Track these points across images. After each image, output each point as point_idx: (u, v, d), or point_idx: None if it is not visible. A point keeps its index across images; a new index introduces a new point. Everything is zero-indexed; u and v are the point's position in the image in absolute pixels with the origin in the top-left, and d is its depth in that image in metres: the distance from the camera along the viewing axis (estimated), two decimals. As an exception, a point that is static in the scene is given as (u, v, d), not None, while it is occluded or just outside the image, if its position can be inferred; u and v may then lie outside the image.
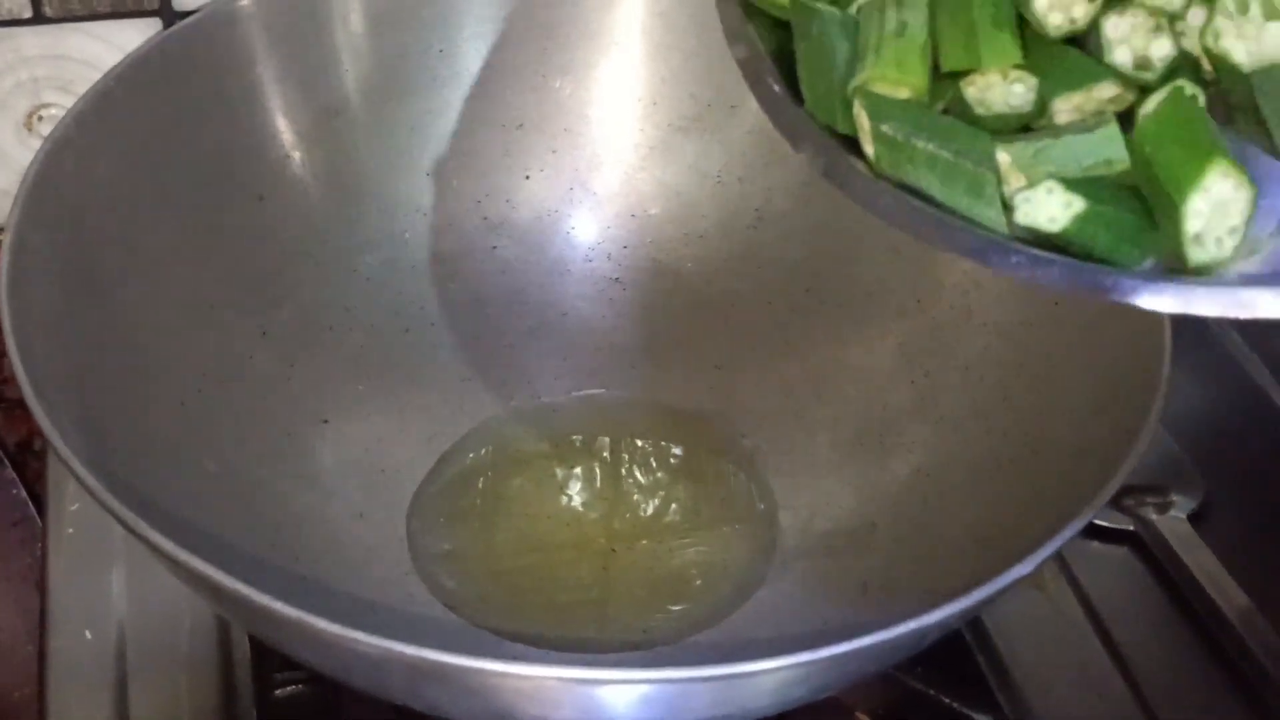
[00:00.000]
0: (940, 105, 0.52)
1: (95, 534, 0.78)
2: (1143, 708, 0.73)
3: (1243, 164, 0.48)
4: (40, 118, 0.87)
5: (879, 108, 0.51)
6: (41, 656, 0.74)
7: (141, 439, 0.70)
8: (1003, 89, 0.51)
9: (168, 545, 0.57)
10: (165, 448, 0.71)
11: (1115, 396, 0.68)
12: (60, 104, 0.86)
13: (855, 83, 0.52)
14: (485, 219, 0.86)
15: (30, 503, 0.86)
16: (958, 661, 0.74)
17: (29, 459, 0.90)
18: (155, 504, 0.65)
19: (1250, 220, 0.48)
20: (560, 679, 0.56)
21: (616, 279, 0.87)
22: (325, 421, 0.80)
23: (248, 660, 0.73)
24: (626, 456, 0.83)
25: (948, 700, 0.73)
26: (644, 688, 0.57)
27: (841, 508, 0.79)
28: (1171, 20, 0.49)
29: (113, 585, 0.77)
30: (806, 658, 0.57)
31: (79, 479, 0.59)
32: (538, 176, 0.87)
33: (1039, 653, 0.75)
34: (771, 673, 0.56)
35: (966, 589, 0.59)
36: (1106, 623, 0.77)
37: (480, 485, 0.81)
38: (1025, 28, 0.51)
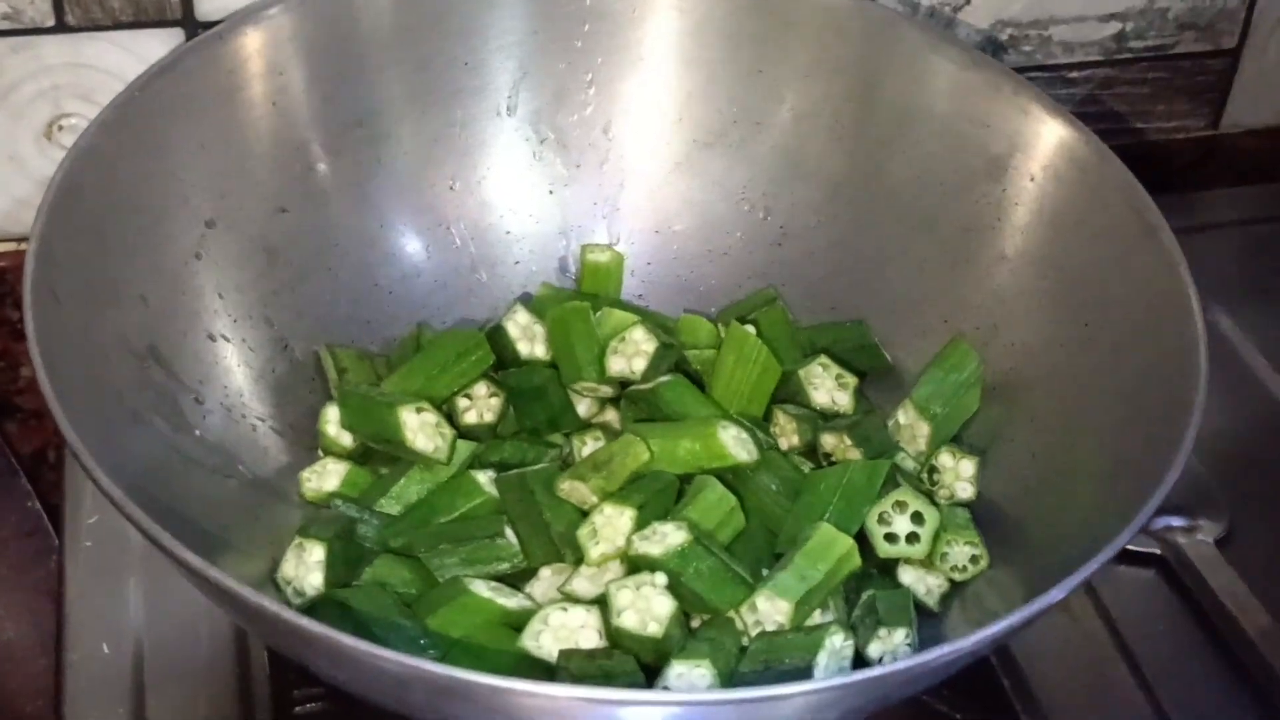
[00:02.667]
0: None
1: (112, 547, 0.78)
2: (1167, 732, 0.73)
3: None
4: (60, 127, 0.86)
5: None
6: (58, 669, 0.73)
7: (164, 451, 0.70)
8: None
9: (196, 561, 0.57)
10: (187, 460, 0.71)
11: (1147, 420, 0.68)
12: (81, 113, 0.86)
13: None
14: (509, 233, 0.86)
15: (44, 514, 0.86)
16: (982, 684, 0.74)
17: (43, 470, 0.89)
18: (177, 516, 0.64)
19: None
20: (584, 699, 0.56)
21: (640, 295, 0.87)
22: (345, 435, 0.80)
23: (265, 675, 0.73)
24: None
25: (972, 723, 0.73)
26: (670, 709, 0.57)
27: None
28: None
29: (130, 599, 0.76)
30: (838, 682, 0.58)
31: (103, 490, 0.59)
32: (561, 191, 0.86)
33: (1064, 675, 0.75)
34: (801, 696, 0.56)
35: (999, 615, 0.59)
36: (1132, 646, 0.77)
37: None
38: None
